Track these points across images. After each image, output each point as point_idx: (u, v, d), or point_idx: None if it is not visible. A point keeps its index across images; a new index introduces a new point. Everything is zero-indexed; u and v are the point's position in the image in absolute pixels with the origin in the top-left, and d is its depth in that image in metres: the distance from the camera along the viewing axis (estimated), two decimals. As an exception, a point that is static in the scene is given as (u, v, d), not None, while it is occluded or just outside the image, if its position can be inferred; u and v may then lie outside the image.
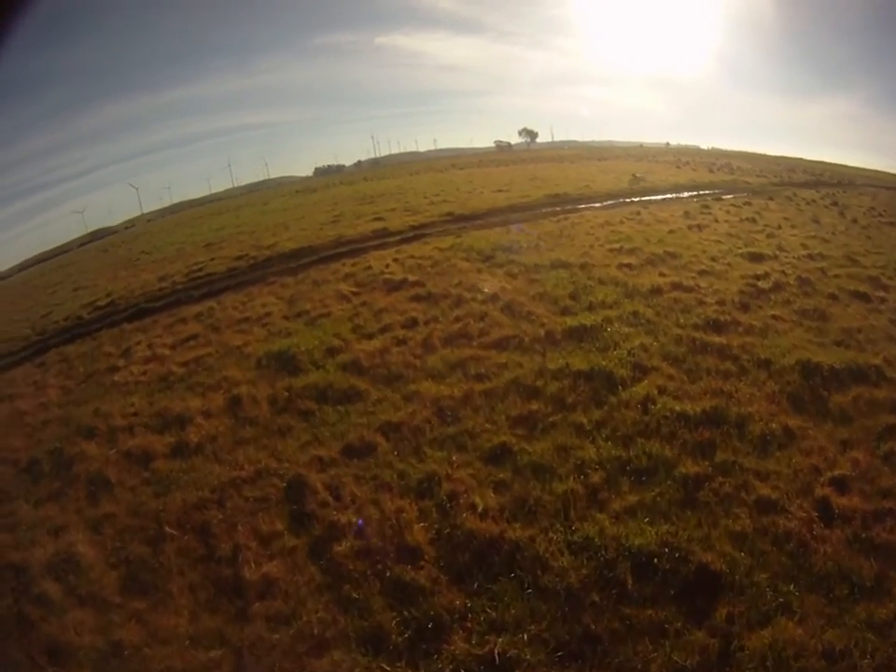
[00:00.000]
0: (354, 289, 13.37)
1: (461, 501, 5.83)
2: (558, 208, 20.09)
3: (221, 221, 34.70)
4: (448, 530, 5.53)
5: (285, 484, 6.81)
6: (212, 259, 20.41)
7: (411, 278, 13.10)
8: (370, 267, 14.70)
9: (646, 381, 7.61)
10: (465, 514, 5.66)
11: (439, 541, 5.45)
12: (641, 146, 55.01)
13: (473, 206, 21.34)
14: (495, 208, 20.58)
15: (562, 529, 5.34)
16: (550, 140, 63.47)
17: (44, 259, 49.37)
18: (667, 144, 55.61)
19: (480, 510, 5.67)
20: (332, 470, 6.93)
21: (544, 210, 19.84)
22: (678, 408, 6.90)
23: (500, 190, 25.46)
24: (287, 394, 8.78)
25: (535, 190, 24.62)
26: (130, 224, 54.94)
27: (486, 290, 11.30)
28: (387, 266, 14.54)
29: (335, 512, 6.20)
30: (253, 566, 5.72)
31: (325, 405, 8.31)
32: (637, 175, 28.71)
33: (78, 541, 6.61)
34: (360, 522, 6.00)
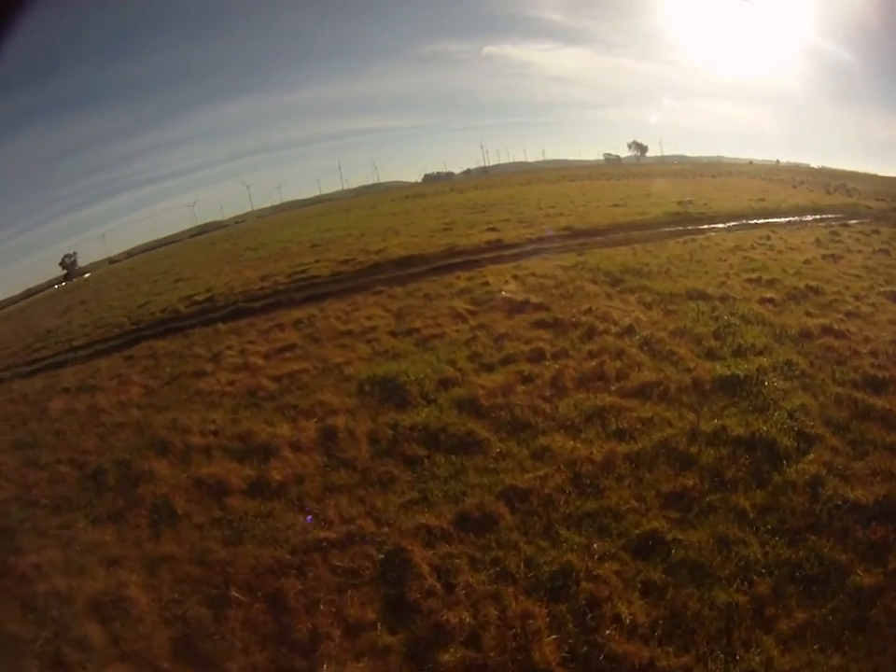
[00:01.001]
0: (470, 308, 12.58)
1: (604, 610, 5.05)
2: (680, 227, 19.53)
3: (329, 222, 35.77)
4: (586, 649, 4.77)
5: (382, 556, 5.85)
6: (317, 261, 20.54)
7: (533, 299, 12.35)
8: (487, 283, 14.06)
9: (812, 454, 6.82)
10: (608, 629, 4.89)
11: (573, 663, 4.70)
12: (751, 162, 53.16)
13: (591, 221, 21.04)
14: (614, 224, 20.07)
15: (723, 657, 4.64)
16: (659, 154, 62.51)
17: (153, 248, 53.91)
18: (777, 161, 53.56)
19: (627, 624, 4.92)
20: (443, 546, 5.89)
21: (666, 229, 19.40)
22: (849, 495, 6.12)
23: (617, 205, 25.18)
24: (391, 432, 7.92)
25: (652, 207, 24.01)
26: (240, 220, 58.83)
27: (621, 321, 10.66)
28: (506, 283, 13.94)
29: (444, 608, 5.22)
30: (334, 663, 4.89)
31: (436, 453, 7.37)
32: (757, 195, 27.85)
33: (132, 582, 6.15)
34: (474, 624, 5.00)
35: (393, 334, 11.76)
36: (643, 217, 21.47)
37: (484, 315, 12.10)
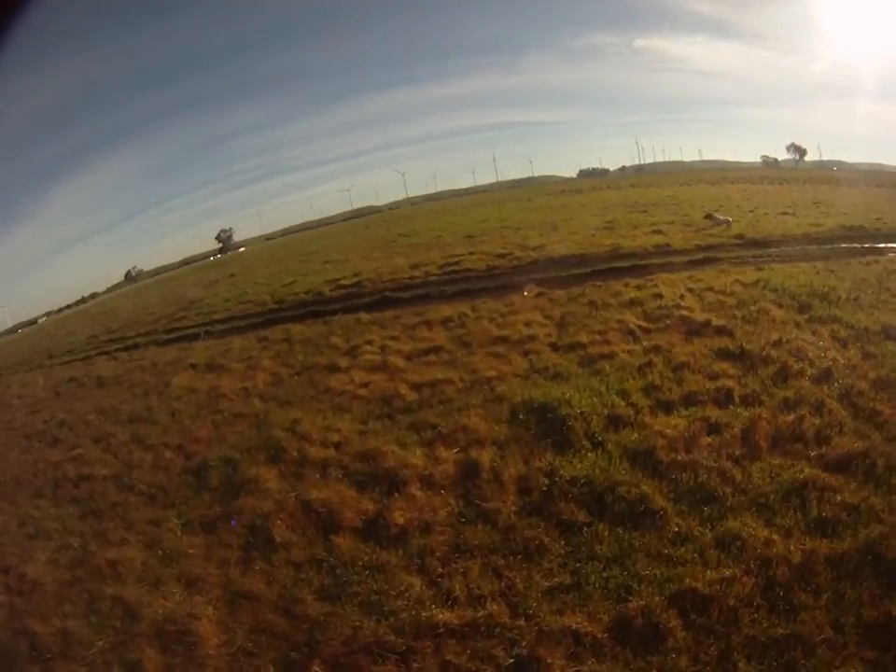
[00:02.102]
0: (642, 324, 11.21)
1: None
2: (857, 244, 17.65)
3: (484, 213, 36.24)
4: None
5: (511, 661, 4.62)
6: (471, 253, 20.17)
7: (715, 321, 10.98)
8: (660, 295, 12.85)
9: None
10: None
11: None
12: None
13: (763, 230, 19.91)
14: (788, 235, 18.89)
15: None
16: (817, 159, 60.85)
17: (308, 228, 57.91)
18: None
19: None
20: (591, 663, 4.54)
21: (842, 245, 17.57)
22: None
23: (786, 213, 24.00)
24: (545, 482, 6.63)
25: (824, 218, 22.12)
26: (394, 206, 62.32)
27: (817, 361, 9.31)
28: (682, 297, 12.63)
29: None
30: None
31: (599, 521, 6.00)
32: None
33: (205, 615, 5.65)
34: None
35: (554, 347, 10.59)
36: (816, 228, 19.67)
37: (659, 334, 10.67)
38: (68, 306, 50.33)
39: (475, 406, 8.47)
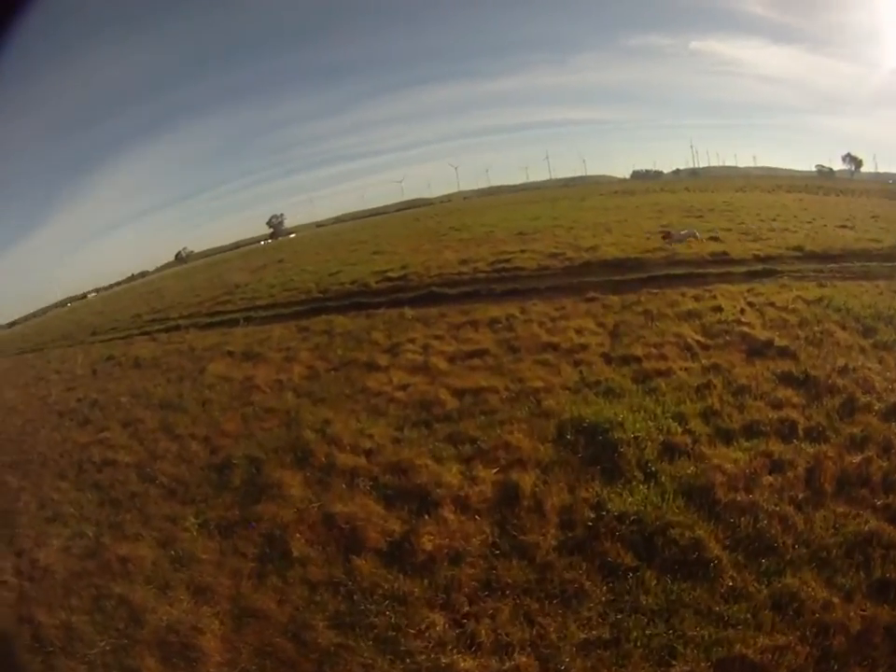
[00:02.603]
0: (701, 339, 10.50)
1: None
2: None
3: (536, 210, 35.20)
4: None
5: None
6: (522, 251, 19.37)
7: (777, 341, 10.21)
8: (719, 308, 12.01)
9: None
10: None
11: None
12: None
13: (823, 243, 18.64)
14: (847, 250, 17.58)
15: None
16: (874, 171, 55.59)
17: (360, 217, 58.08)
18: None
19: None
20: None
21: None
22: None
23: (844, 226, 22.43)
24: (591, 516, 6.10)
25: (884, 233, 20.52)
26: (446, 199, 62.37)
27: (885, 394, 8.59)
28: (742, 312, 11.80)
29: None
30: None
31: (647, 567, 5.45)
32: None
33: (209, 629, 5.42)
34: None
35: (607, 359, 9.98)
36: (876, 245, 18.23)
37: (719, 352, 9.98)
38: (118, 283, 51.53)
39: (519, 420, 7.97)
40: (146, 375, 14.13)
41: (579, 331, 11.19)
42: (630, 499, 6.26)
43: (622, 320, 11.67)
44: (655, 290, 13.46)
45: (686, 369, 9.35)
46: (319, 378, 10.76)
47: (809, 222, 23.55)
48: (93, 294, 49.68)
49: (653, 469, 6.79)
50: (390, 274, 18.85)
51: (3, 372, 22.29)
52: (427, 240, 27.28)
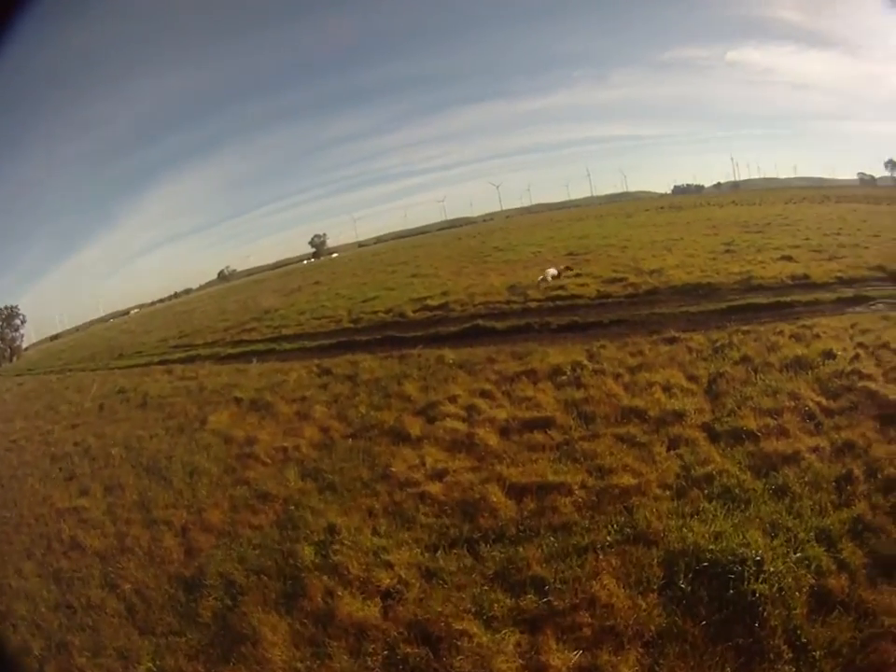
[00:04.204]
0: (822, 401, 7.57)
1: None
2: None
3: (583, 228, 32.76)
4: None
5: None
6: (576, 275, 16.68)
7: None
8: (830, 354, 9.01)
9: None
10: None
11: None
12: None
13: None
14: None
15: None
16: None
17: (401, 237, 56.12)
18: None
19: None
20: None
21: None
22: None
23: None
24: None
25: None
26: (488, 217, 60.24)
27: None
28: (857, 359, 8.79)
29: None
30: None
31: None
32: None
33: None
34: None
35: (712, 435, 7.09)
36: None
37: (847, 421, 7.02)
38: (161, 300, 50.22)
39: (606, 549, 5.21)
40: (147, 419, 12.00)
41: (667, 389, 8.32)
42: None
43: (717, 372, 8.77)
44: (745, 327, 10.55)
45: (816, 449, 6.50)
46: (333, 449, 8.19)
47: (876, 236, 20.36)
48: (136, 310, 48.55)
49: (805, 640, 4.18)
50: (430, 302, 16.33)
51: (23, 395, 20.97)
52: (469, 261, 24.78)
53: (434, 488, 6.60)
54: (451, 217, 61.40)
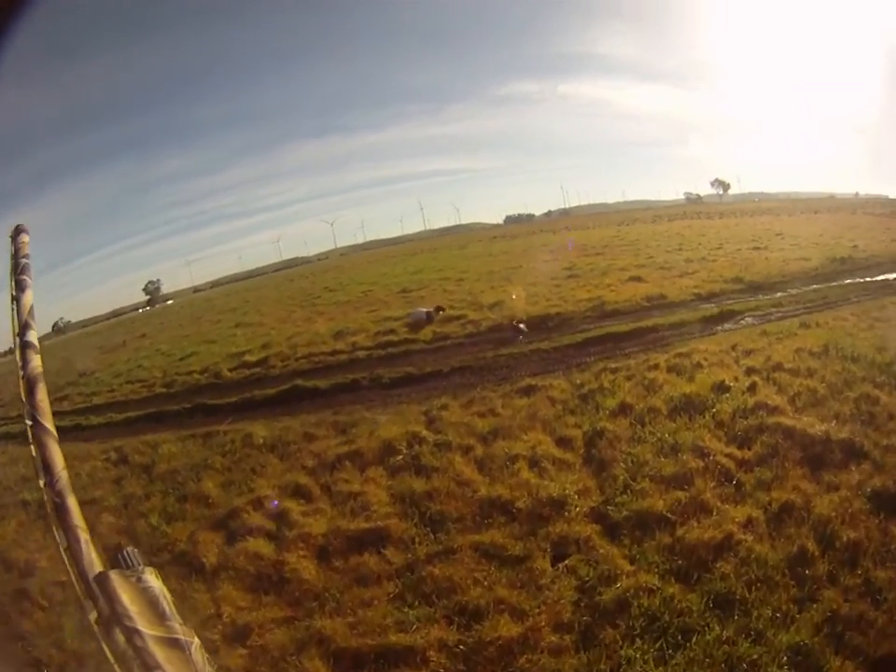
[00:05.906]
0: (733, 451, 6.08)
1: None
2: (859, 279, 14.10)
3: (418, 263, 30.86)
4: None
5: None
6: (408, 315, 14.33)
7: (833, 433, 6.12)
8: (722, 386, 7.59)
9: None
10: None
11: None
12: (832, 196, 47.26)
13: (754, 270, 15.56)
14: (786, 273, 14.96)
15: None
16: (738, 192, 58.47)
17: (238, 279, 51.42)
18: (856, 194, 47.28)
19: None
20: None
21: (846, 281, 14.01)
22: None
23: (757, 247, 20.05)
24: None
25: (801, 250, 18.52)
26: (323, 256, 57.40)
27: None
28: (753, 387, 7.51)
29: None
30: None
31: None
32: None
33: None
34: None
35: (604, 524, 5.27)
36: (807, 264, 15.79)
37: (771, 474, 5.57)
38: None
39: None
40: None
41: (534, 463, 6.30)
42: None
43: (594, 429, 6.91)
44: (612, 364, 9.06)
45: (748, 524, 4.95)
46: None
47: (719, 248, 20.78)
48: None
49: None
50: (248, 358, 13.49)
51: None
52: (298, 304, 21.99)
53: (233, 662, 4.14)
54: (287, 257, 57.42)
